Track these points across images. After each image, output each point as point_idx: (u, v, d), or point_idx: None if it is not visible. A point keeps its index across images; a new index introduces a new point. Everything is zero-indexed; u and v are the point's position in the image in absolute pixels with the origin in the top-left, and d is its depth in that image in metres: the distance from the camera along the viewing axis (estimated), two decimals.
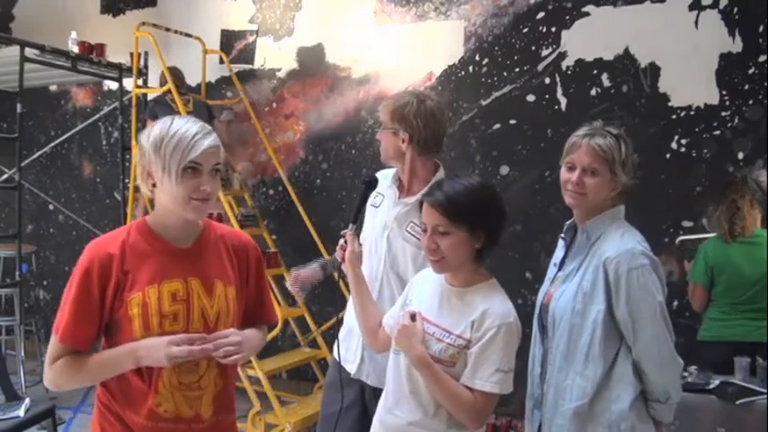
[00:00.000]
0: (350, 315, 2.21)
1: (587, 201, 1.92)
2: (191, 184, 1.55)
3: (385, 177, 2.28)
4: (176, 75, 4.73)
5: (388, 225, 2.23)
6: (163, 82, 4.69)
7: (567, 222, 2.07)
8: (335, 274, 2.31)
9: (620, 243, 1.87)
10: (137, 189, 4.76)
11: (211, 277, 1.66)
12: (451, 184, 1.71)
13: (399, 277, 2.16)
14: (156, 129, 1.59)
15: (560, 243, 2.10)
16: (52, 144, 5.96)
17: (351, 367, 2.27)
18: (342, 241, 2.01)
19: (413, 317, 1.75)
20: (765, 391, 2.88)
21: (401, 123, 2.20)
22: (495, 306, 1.69)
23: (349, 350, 2.29)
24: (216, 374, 1.65)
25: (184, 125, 1.57)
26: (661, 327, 1.84)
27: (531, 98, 4.30)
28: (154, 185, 1.60)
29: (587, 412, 1.87)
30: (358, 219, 2.08)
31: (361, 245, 2.04)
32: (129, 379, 1.60)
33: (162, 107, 4.55)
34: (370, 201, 2.25)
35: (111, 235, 1.65)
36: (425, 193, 1.77)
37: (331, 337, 4.42)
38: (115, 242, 1.60)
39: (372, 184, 2.14)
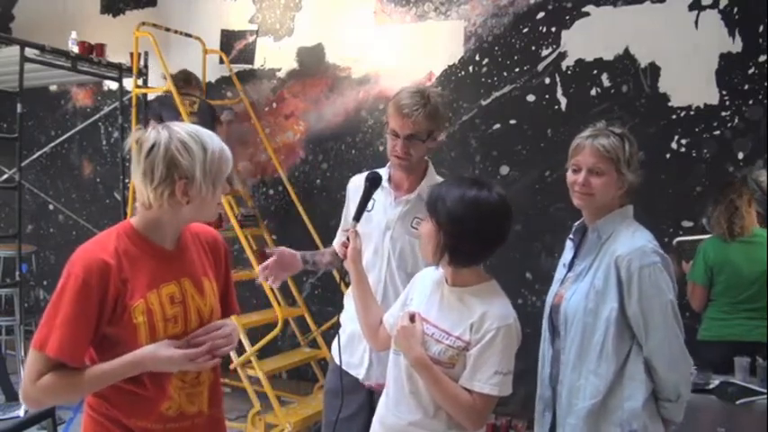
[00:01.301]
0: (350, 319, 2.19)
1: (595, 201, 1.94)
2: (222, 190, 1.64)
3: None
4: (184, 77, 4.72)
5: (389, 226, 2.21)
6: (177, 81, 4.65)
7: (576, 223, 2.09)
8: (336, 274, 2.31)
9: (632, 241, 1.88)
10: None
11: (199, 276, 1.68)
12: (451, 185, 1.73)
13: (408, 275, 2.13)
14: (194, 145, 1.55)
15: (569, 244, 2.11)
16: (52, 144, 5.96)
17: (358, 372, 2.24)
18: (344, 238, 2.01)
19: (412, 317, 1.75)
20: (765, 391, 2.88)
21: (439, 125, 2.19)
22: (494, 308, 1.69)
23: (354, 355, 2.26)
24: (210, 368, 1.67)
25: (209, 139, 1.59)
26: (672, 324, 1.86)
27: (531, 98, 4.30)
28: (188, 202, 1.57)
29: (601, 411, 1.88)
30: (361, 216, 2.07)
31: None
32: (132, 387, 1.56)
33: (167, 109, 4.54)
34: None
35: (99, 242, 1.57)
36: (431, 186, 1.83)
37: (331, 337, 4.41)
38: (107, 250, 1.54)
39: (377, 181, 2.12)
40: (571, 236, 2.10)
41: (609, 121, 2.02)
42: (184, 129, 1.59)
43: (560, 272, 2.09)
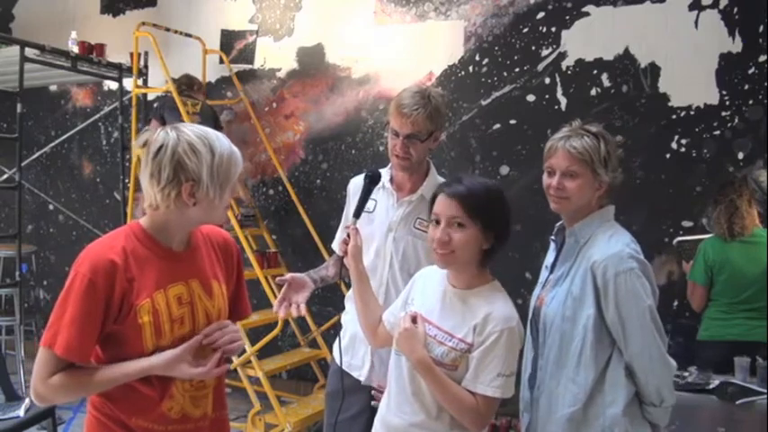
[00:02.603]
0: (352, 320, 2.18)
1: (571, 204, 1.90)
2: (231, 193, 1.63)
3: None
4: (188, 81, 4.71)
5: (392, 227, 2.21)
6: (178, 85, 4.65)
7: (557, 224, 2.05)
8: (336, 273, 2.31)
9: (607, 246, 1.84)
10: (137, 189, 4.76)
11: (208, 278, 1.67)
12: (471, 180, 1.72)
13: (411, 276, 2.13)
14: (201, 148, 1.55)
15: (551, 245, 2.07)
16: (52, 144, 5.96)
17: (359, 374, 2.24)
18: (344, 235, 2.00)
19: (414, 319, 1.73)
20: (765, 391, 2.87)
21: (439, 125, 2.19)
22: (497, 310, 1.67)
23: (355, 356, 2.26)
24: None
25: (219, 140, 1.59)
26: (651, 330, 1.81)
27: (531, 98, 4.30)
28: (195, 204, 1.57)
29: (581, 418, 1.84)
30: (361, 213, 2.07)
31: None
32: (136, 386, 1.57)
33: (169, 110, 4.54)
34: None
35: (107, 242, 1.58)
36: (444, 185, 1.75)
37: (331, 337, 4.42)
38: (114, 249, 1.54)
39: (376, 178, 2.12)
40: (553, 237, 2.06)
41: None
42: (193, 131, 1.58)
43: (543, 274, 2.05)
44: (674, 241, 3.81)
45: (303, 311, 2.14)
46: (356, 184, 2.30)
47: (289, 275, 2.21)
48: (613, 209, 1.96)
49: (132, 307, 1.53)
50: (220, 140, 1.60)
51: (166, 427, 1.60)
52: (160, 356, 1.54)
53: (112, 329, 1.54)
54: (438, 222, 1.69)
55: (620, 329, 1.81)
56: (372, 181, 2.11)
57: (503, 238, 1.71)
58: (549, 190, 1.93)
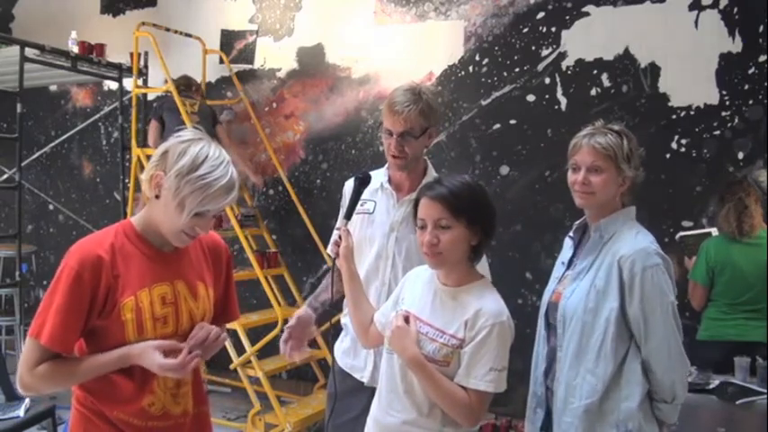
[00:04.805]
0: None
1: (596, 199, 1.95)
2: (191, 222, 1.58)
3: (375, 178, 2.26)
4: (186, 82, 4.71)
5: (394, 227, 2.21)
6: (176, 86, 4.65)
7: (576, 222, 2.10)
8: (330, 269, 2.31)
9: (635, 242, 1.89)
10: (137, 189, 4.76)
11: (194, 279, 1.70)
12: (450, 180, 1.73)
13: None
14: (187, 156, 1.56)
15: (568, 242, 2.11)
16: (52, 144, 5.96)
17: (362, 375, 2.24)
18: (336, 237, 2.01)
19: (406, 318, 1.75)
20: (765, 391, 2.88)
21: (433, 121, 2.19)
22: (487, 305, 1.68)
23: (357, 358, 2.26)
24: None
25: (216, 170, 1.56)
26: (672, 326, 1.87)
27: (531, 98, 4.30)
28: (157, 197, 1.59)
29: (597, 411, 1.88)
30: (352, 215, 2.08)
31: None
32: (116, 379, 1.60)
33: (168, 113, 4.53)
34: (362, 209, 2.22)
35: (97, 238, 1.62)
36: (425, 188, 1.76)
37: (332, 337, 4.41)
38: (103, 245, 1.58)
39: (366, 181, 2.13)
40: (571, 234, 2.11)
41: (609, 121, 2.03)
42: (215, 146, 1.61)
43: (558, 270, 2.10)
44: (677, 236, 3.79)
45: (305, 355, 2.17)
46: (350, 186, 2.31)
47: (291, 323, 2.24)
48: (635, 209, 2.01)
49: (117, 303, 1.56)
50: (217, 169, 1.57)
51: (146, 423, 1.63)
52: (137, 344, 1.57)
53: (97, 324, 1.57)
54: (424, 226, 1.72)
55: (641, 323, 1.86)
56: (362, 183, 2.12)
57: (489, 232, 1.73)
58: (574, 186, 1.97)
